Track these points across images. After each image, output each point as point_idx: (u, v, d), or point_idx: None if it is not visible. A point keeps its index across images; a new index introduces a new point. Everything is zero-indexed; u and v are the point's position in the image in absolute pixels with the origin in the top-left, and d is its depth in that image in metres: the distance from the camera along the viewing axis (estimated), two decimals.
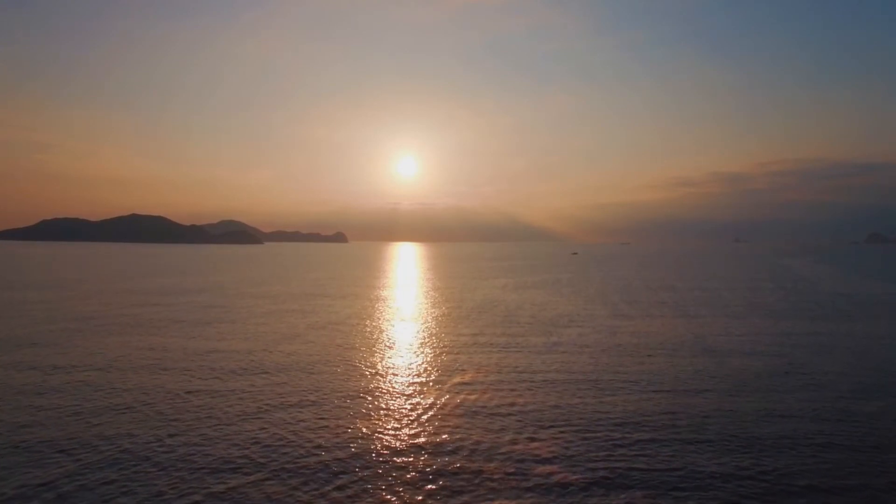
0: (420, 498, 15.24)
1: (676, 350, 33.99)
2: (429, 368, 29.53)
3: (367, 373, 28.56)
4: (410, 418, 21.48)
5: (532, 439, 19.19)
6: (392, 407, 22.93)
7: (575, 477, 16.35)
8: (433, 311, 53.83)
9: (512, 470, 16.78)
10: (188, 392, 24.64)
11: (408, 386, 26.19)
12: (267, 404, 22.98)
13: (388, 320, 47.64)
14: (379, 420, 21.22)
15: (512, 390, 25.14)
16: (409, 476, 16.49)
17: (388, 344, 36.57)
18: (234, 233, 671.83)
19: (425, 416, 21.66)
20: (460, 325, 44.29)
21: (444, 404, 23.16)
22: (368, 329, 42.46)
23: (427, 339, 37.96)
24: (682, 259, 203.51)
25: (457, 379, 27.18)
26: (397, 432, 19.98)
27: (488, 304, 59.28)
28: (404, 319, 48.42)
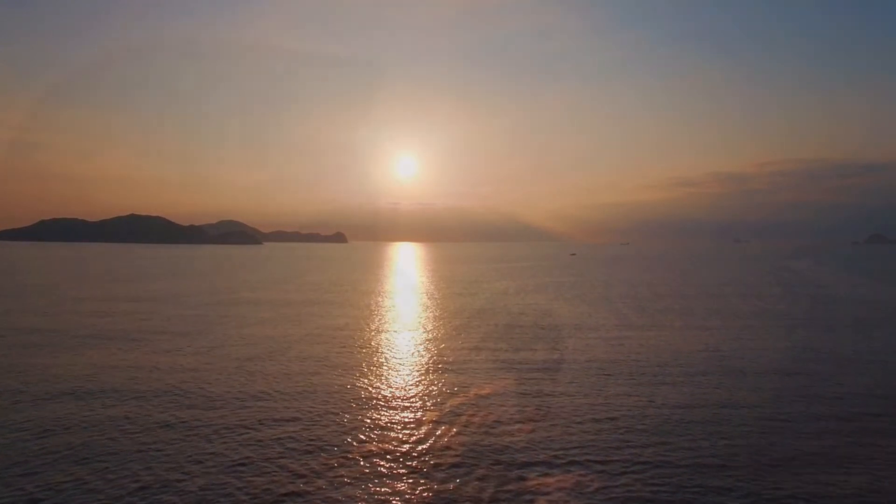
0: None
1: (690, 365, 32.25)
2: (426, 387, 27.80)
3: (362, 391, 26.84)
4: (406, 442, 19.80)
5: (538, 463, 17.63)
6: (386, 430, 21.24)
7: None
8: (432, 319, 52.13)
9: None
10: (172, 414, 22.94)
11: (404, 406, 24.47)
12: (255, 424, 21.31)
13: (386, 331, 45.90)
14: (371, 444, 19.57)
15: (514, 409, 23.43)
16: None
17: (385, 359, 34.83)
18: (233, 233, 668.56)
19: (422, 441, 19.99)
20: (460, 335, 42.54)
21: (443, 427, 21.47)
22: (365, 341, 40.76)
23: (426, 353, 36.24)
24: (683, 261, 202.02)
25: (456, 400, 25.43)
26: (391, 457, 18.31)
27: (489, 310, 57.55)
28: (403, 329, 46.68)
